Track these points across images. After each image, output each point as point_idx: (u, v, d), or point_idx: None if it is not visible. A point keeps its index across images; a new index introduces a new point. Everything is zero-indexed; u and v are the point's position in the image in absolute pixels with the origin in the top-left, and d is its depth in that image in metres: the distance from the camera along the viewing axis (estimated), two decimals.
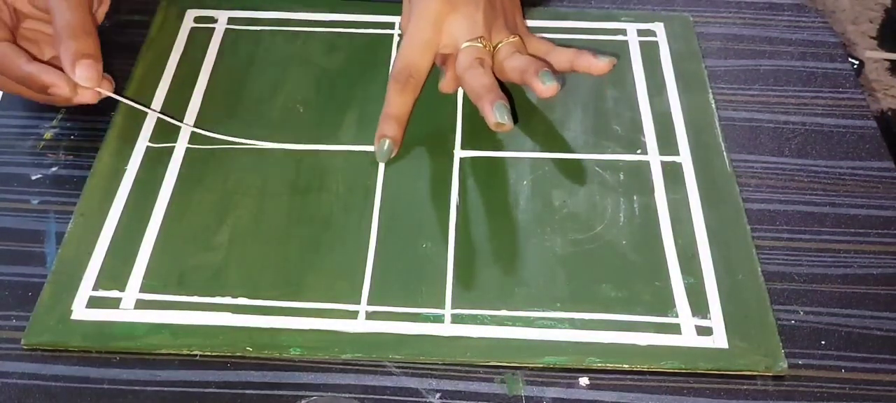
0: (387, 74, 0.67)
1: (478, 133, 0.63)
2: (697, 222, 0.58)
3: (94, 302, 0.53)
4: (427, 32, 0.63)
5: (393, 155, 0.61)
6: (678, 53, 0.70)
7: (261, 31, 0.71)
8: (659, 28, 0.72)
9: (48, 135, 0.63)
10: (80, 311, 0.53)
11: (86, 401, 0.49)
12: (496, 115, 0.58)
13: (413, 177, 0.61)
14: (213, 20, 0.72)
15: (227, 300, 0.53)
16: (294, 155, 0.62)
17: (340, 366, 0.51)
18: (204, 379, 0.50)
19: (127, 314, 0.52)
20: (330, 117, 0.65)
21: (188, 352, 0.51)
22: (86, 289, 0.54)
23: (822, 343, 0.52)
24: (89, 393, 0.49)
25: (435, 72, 0.64)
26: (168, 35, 0.71)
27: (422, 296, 0.54)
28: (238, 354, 0.51)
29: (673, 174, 0.61)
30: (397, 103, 0.61)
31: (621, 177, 0.61)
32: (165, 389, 0.49)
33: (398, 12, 0.70)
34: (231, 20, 0.72)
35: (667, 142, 0.63)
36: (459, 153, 0.62)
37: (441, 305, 0.53)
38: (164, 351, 0.51)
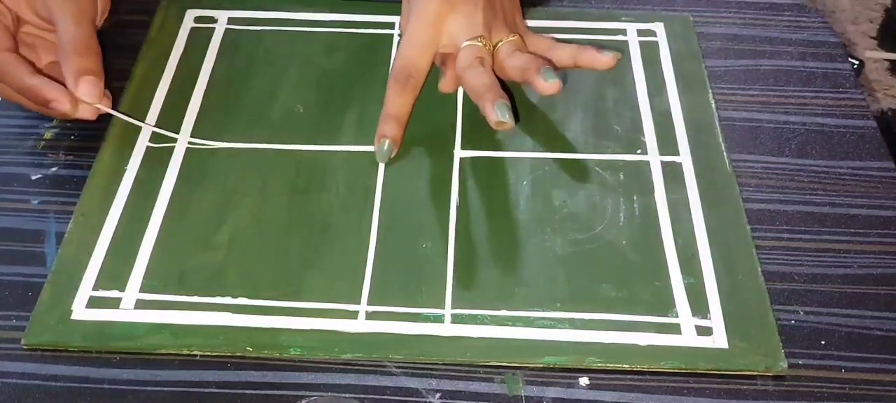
0: (387, 74, 0.67)
1: (478, 133, 0.63)
2: (697, 222, 0.58)
3: (94, 302, 0.53)
4: (426, 32, 0.63)
5: (393, 155, 0.61)
6: (678, 53, 0.70)
7: (261, 31, 0.71)
8: (659, 28, 0.72)
9: (48, 135, 0.63)
10: (80, 311, 0.53)
11: (86, 401, 0.49)
12: (498, 114, 0.58)
13: (413, 177, 0.61)
14: (213, 20, 0.72)
15: (227, 300, 0.53)
16: (294, 155, 0.62)
17: (340, 366, 0.51)
18: (204, 379, 0.50)
19: (127, 314, 0.52)
20: (330, 117, 0.65)
21: (188, 352, 0.51)
22: (86, 289, 0.54)
23: (822, 343, 0.52)
24: (89, 393, 0.49)
25: (435, 72, 0.64)
26: (168, 35, 0.71)
27: (422, 296, 0.54)
28: (238, 354, 0.51)
29: (673, 174, 0.61)
30: (397, 103, 0.61)
31: (621, 177, 0.61)
32: (165, 389, 0.49)
33: (398, 12, 0.70)
34: (231, 20, 0.72)
35: (667, 142, 0.63)
36: (459, 153, 0.62)
37: (441, 305, 0.53)
38: (164, 351, 0.51)
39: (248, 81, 0.67)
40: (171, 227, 0.57)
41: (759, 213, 0.59)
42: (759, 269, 0.55)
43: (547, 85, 0.59)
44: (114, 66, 0.63)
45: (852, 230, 0.58)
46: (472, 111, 0.65)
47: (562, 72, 0.62)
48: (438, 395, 0.50)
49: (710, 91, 0.67)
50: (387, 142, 0.60)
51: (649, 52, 0.70)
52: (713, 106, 0.66)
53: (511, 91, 0.64)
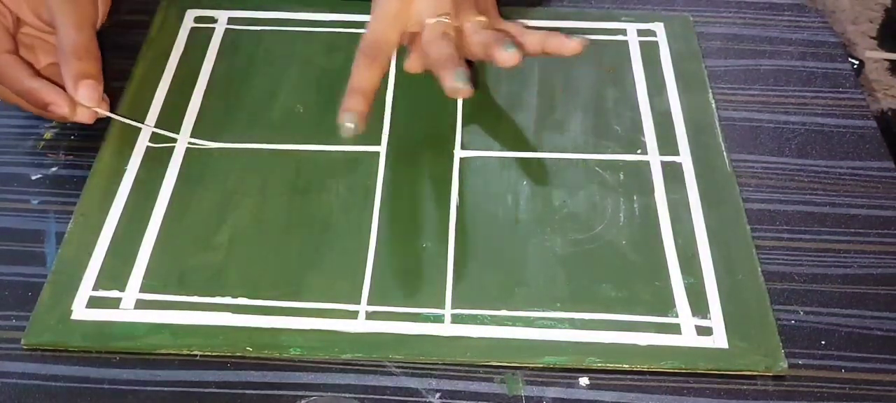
0: (387, 75, 0.67)
1: (478, 133, 0.63)
2: (697, 222, 0.58)
3: (94, 302, 0.53)
4: (395, 6, 0.62)
5: (359, 131, 0.59)
6: (678, 53, 0.70)
7: (261, 31, 0.71)
8: (659, 28, 0.72)
9: (48, 135, 0.63)
10: (80, 311, 0.53)
11: (86, 401, 0.49)
12: (453, 79, 0.58)
13: (413, 176, 0.61)
14: (213, 20, 0.72)
15: (227, 300, 0.53)
16: (294, 155, 0.62)
17: (340, 366, 0.51)
18: (204, 379, 0.50)
19: (127, 314, 0.52)
20: (330, 117, 0.64)
21: (188, 352, 0.51)
22: (86, 289, 0.54)
23: (822, 343, 0.52)
24: (89, 393, 0.49)
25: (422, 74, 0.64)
26: (168, 35, 0.71)
27: (422, 296, 0.53)
28: (238, 354, 0.51)
29: (673, 174, 0.61)
30: (364, 77, 0.60)
31: (621, 177, 0.61)
32: (165, 389, 0.49)
33: None
34: (231, 20, 0.72)
35: (667, 142, 0.63)
36: (459, 153, 0.62)
37: (441, 305, 0.53)
38: (164, 351, 0.51)
39: (248, 81, 0.67)
40: (171, 227, 0.57)
41: (759, 213, 0.59)
42: (759, 269, 0.55)
43: (507, 54, 0.58)
44: (114, 66, 0.63)
45: (852, 230, 0.58)
46: (473, 111, 0.65)
47: (560, 68, 0.61)
48: (438, 395, 0.50)
49: (710, 91, 0.67)
50: (353, 115, 0.59)
51: (649, 51, 0.70)
52: (713, 106, 0.66)
53: (476, 67, 0.63)
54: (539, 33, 0.63)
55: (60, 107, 0.58)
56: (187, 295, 0.53)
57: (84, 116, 0.60)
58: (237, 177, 0.60)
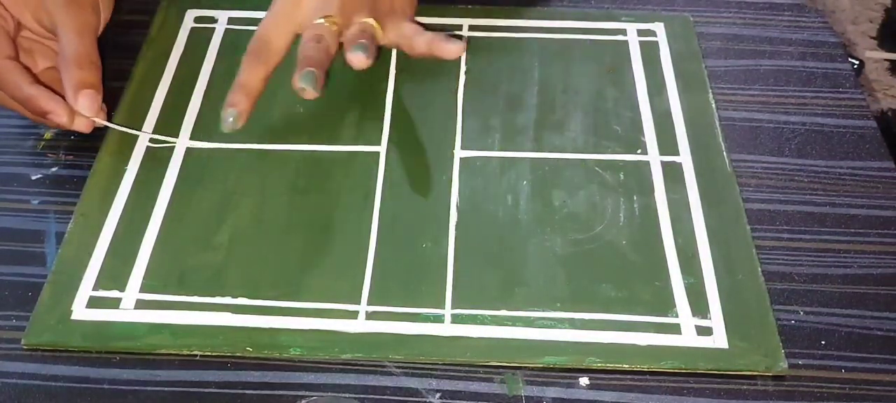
0: (387, 74, 0.68)
1: (478, 133, 0.63)
2: (697, 222, 0.58)
3: (94, 302, 0.53)
4: (285, 9, 0.62)
5: (238, 126, 0.60)
6: (678, 53, 0.70)
7: None
8: (659, 28, 0.72)
9: (48, 135, 0.63)
10: (80, 311, 0.53)
11: (86, 401, 0.49)
12: (299, 80, 0.59)
13: (413, 177, 0.61)
14: (213, 20, 0.72)
15: (227, 300, 0.53)
16: (294, 155, 0.62)
17: (340, 366, 0.51)
18: (204, 379, 0.50)
19: (127, 314, 0.52)
20: (330, 117, 0.65)
21: (188, 352, 0.51)
22: (86, 289, 0.54)
23: (822, 343, 0.52)
24: (89, 393, 0.49)
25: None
26: (168, 35, 0.71)
27: (422, 296, 0.53)
28: (238, 354, 0.51)
29: (673, 174, 0.61)
30: (248, 75, 0.61)
31: (621, 177, 0.61)
32: (165, 389, 0.49)
33: None
34: (231, 20, 0.72)
35: (667, 142, 0.63)
36: (459, 153, 0.62)
37: (441, 305, 0.53)
38: (164, 351, 0.51)
39: None
40: (171, 227, 0.57)
41: (759, 213, 0.59)
42: (759, 269, 0.55)
43: (352, 55, 0.60)
44: (114, 66, 0.63)
45: (852, 230, 0.58)
46: (473, 111, 0.65)
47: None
48: (438, 395, 0.50)
49: (710, 91, 0.67)
50: (233, 111, 0.60)
51: (649, 51, 0.70)
52: (713, 106, 0.66)
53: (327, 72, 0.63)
54: (427, 35, 0.64)
55: (59, 116, 0.59)
56: (187, 295, 0.53)
57: (82, 125, 0.60)
58: (237, 177, 0.60)
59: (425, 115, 0.65)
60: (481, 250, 0.56)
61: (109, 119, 0.62)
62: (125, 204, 0.58)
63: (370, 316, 0.53)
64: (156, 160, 0.61)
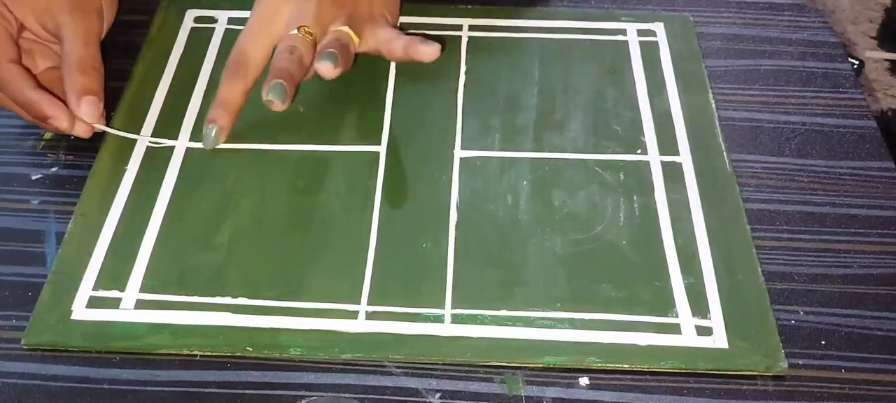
0: (387, 74, 0.68)
1: (478, 133, 0.63)
2: (697, 222, 0.58)
3: (94, 302, 0.53)
4: (261, 22, 0.63)
5: (220, 142, 0.61)
6: (678, 53, 0.70)
7: None
8: (659, 28, 0.72)
9: (48, 135, 0.63)
10: (80, 311, 0.53)
11: (86, 401, 0.49)
12: (267, 91, 0.59)
13: (413, 177, 0.61)
14: (213, 20, 0.72)
15: (227, 300, 0.53)
16: (294, 155, 0.62)
17: (340, 366, 0.51)
18: (204, 379, 0.50)
19: (127, 314, 0.52)
20: (330, 117, 0.65)
21: (188, 352, 0.51)
22: (86, 289, 0.54)
23: (822, 343, 0.52)
24: (89, 393, 0.49)
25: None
26: (168, 35, 0.71)
27: (422, 296, 0.53)
28: (238, 354, 0.51)
29: (673, 174, 0.61)
30: (227, 91, 0.61)
31: (621, 177, 0.61)
32: (165, 389, 0.49)
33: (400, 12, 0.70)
34: (231, 20, 0.72)
35: (667, 142, 0.63)
36: (459, 153, 0.62)
37: (441, 305, 0.53)
38: (164, 351, 0.51)
39: None
40: (171, 227, 0.57)
41: (759, 213, 0.59)
42: (759, 269, 0.55)
43: (319, 65, 0.60)
44: (114, 66, 0.63)
45: (852, 230, 0.58)
46: (473, 111, 0.65)
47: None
48: (438, 395, 0.50)
49: (710, 91, 0.67)
50: (213, 128, 0.61)
51: (649, 51, 0.70)
52: (713, 106, 0.66)
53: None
54: (404, 39, 0.64)
55: (60, 122, 0.59)
56: (187, 295, 0.53)
57: (81, 131, 0.60)
58: (237, 177, 0.60)
59: (425, 115, 0.65)
60: (481, 250, 0.56)
61: (109, 118, 0.62)
62: (125, 204, 0.58)
63: (370, 315, 0.53)
64: (156, 160, 0.61)
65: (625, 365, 0.51)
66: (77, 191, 0.59)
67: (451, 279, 0.54)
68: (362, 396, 0.49)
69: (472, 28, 0.72)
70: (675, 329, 0.52)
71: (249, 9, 0.72)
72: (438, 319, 0.52)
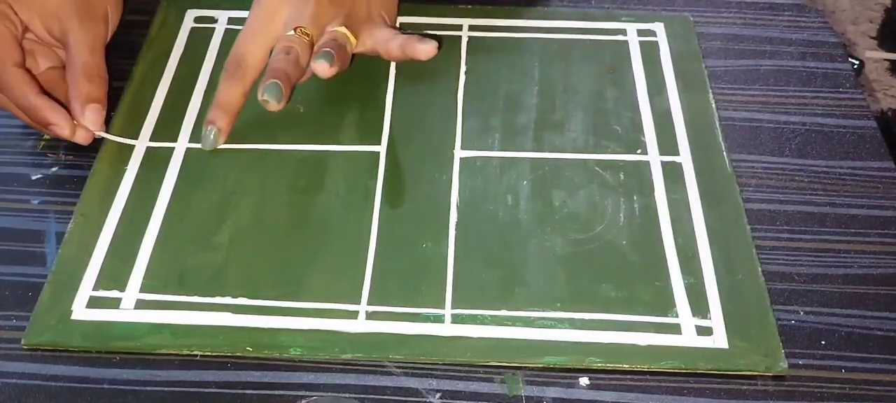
0: (387, 74, 0.68)
1: (478, 133, 0.63)
2: (697, 222, 0.58)
3: (94, 302, 0.53)
4: (258, 23, 0.63)
5: (219, 143, 0.61)
6: (678, 53, 0.70)
7: None
8: (659, 28, 0.72)
9: (48, 135, 0.63)
10: (80, 311, 0.53)
11: (86, 401, 0.49)
12: (262, 92, 0.60)
13: (413, 177, 0.61)
14: (213, 20, 0.72)
15: (227, 300, 0.53)
16: (294, 155, 0.62)
17: (340, 366, 0.51)
18: (204, 379, 0.50)
19: (127, 314, 0.52)
20: (330, 117, 0.65)
21: (188, 352, 0.51)
22: (86, 289, 0.54)
23: (822, 343, 0.52)
24: (89, 393, 0.49)
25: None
26: (168, 35, 0.71)
27: (422, 296, 0.53)
28: (238, 354, 0.51)
29: (673, 174, 0.61)
30: (226, 92, 0.62)
31: (621, 177, 0.61)
32: (165, 389, 0.49)
33: (400, 12, 0.70)
34: (231, 20, 0.72)
35: (667, 142, 0.63)
36: (459, 153, 0.62)
37: (441, 305, 0.53)
38: (164, 351, 0.51)
39: None
40: (171, 227, 0.57)
41: (759, 213, 0.59)
42: (759, 269, 0.55)
43: (315, 64, 0.60)
44: (114, 66, 0.63)
45: (852, 230, 0.58)
46: (473, 111, 0.65)
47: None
48: (438, 395, 0.50)
49: (710, 91, 0.67)
50: (212, 129, 0.61)
51: (649, 51, 0.70)
52: (713, 106, 0.66)
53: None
54: (401, 38, 0.64)
55: (61, 129, 0.59)
56: (187, 295, 0.53)
57: (82, 138, 0.60)
58: (237, 177, 0.60)
59: (425, 115, 0.65)
60: (481, 250, 0.56)
61: (109, 118, 0.62)
62: (125, 204, 0.58)
63: (370, 315, 0.53)
64: (156, 160, 0.61)
65: (625, 365, 0.51)
66: (77, 191, 0.59)
67: (451, 279, 0.54)
68: (362, 396, 0.49)
69: (472, 28, 0.72)
70: (675, 329, 0.52)
71: (249, 9, 0.73)
72: (438, 319, 0.52)
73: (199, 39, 0.70)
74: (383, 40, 0.65)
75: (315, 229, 0.57)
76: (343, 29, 0.63)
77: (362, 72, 0.68)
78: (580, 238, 0.57)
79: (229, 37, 0.71)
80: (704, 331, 0.52)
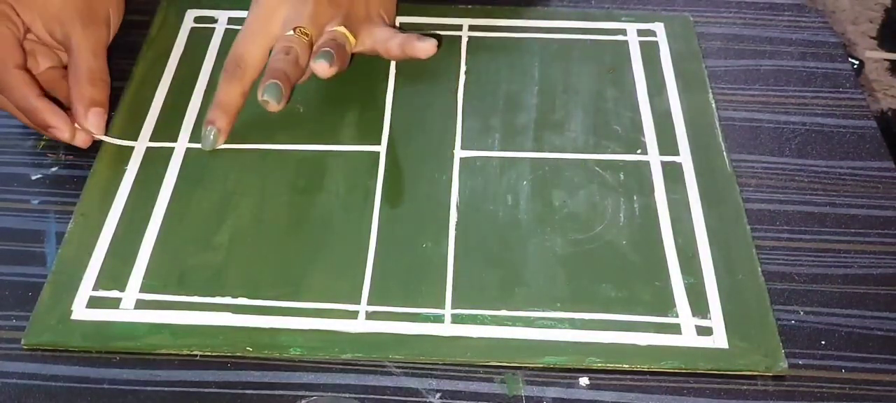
0: (387, 74, 0.68)
1: (478, 133, 0.63)
2: (697, 222, 0.58)
3: (94, 302, 0.53)
4: (257, 23, 0.63)
5: (219, 143, 0.61)
6: (678, 53, 0.70)
7: None
8: (659, 28, 0.72)
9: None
10: (80, 311, 0.53)
11: (86, 401, 0.49)
12: (262, 92, 0.60)
13: (413, 177, 0.61)
14: (213, 20, 0.72)
15: (227, 300, 0.53)
16: (294, 155, 0.62)
17: (340, 366, 0.51)
18: (204, 379, 0.50)
19: (127, 314, 0.52)
20: (330, 117, 0.65)
21: (188, 352, 0.51)
22: (86, 289, 0.54)
23: (822, 343, 0.52)
24: (89, 393, 0.49)
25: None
26: (168, 35, 0.71)
27: (422, 296, 0.53)
28: (238, 354, 0.51)
29: (673, 174, 0.61)
30: (225, 92, 0.61)
31: (621, 177, 0.61)
32: (165, 389, 0.49)
33: (399, 13, 0.70)
34: (231, 20, 0.72)
35: (667, 142, 0.63)
36: (459, 153, 0.62)
37: (441, 305, 0.53)
38: (164, 351, 0.51)
39: None
40: (171, 227, 0.57)
41: (759, 213, 0.59)
42: (759, 269, 0.55)
43: (315, 64, 0.60)
44: (114, 66, 0.63)
45: (852, 230, 0.58)
46: (473, 111, 0.65)
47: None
48: (438, 395, 0.50)
49: (710, 91, 0.67)
50: (212, 130, 0.61)
51: (649, 51, 0.70)
52: (713, 106, 0.66)
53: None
54: (401, 37, 0.64)
55: (61, 132, 0.59)
56: (187, 295, 0.53)
57: (81, 141, 0.60)
58: (237, 177, 0.60)
59: (425, 115, 0.65)
60: (481, 250, 0.56)
61: (109, 118, 0.62)
62: (125, 204, 0.58)
63: (370, 315, 0.53)
64: (156, 160, 0.61)
65: (625, 365, 0.51)
66: (77, 191, 0.59)
67: (451, 279, 0.54)
68: (362, 396, 0.49)
69: (472, 28, 0.72)
70: (675, 329, 0.52)
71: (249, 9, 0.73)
72: (438, 319, 0.52)
73: (199, 39, 0.70)
74: (383, 39, 0.65)
75: (315, 229, 0.57)
76: (342, 28, 0.63)
77: (362, 72, 0.68)
78: (580, 238, 0.57)
79: (229, 37, 0.71)
80: (704, 331, 0.52)
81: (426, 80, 0.67)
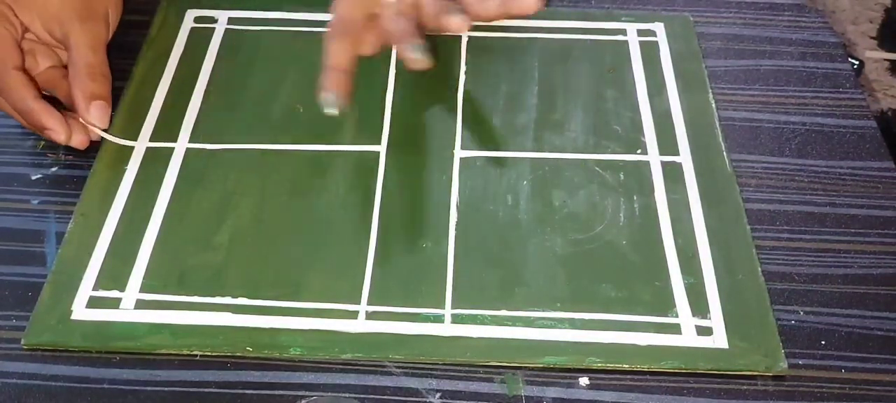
0: (387, 74, 0.68)
1: (478, 133, 0.63)
2: (697, 222, 0.58)
3: (94, 302, 0.53)
4: None
5: (343, 108, 0.59)
6: (678, 53, 0.70)
7: (261, 31, 0.71)
8: (659, 28, 0.72)
9: None
10: (80, 311, 0.53)
11: (86, 401, 0.49)
12: (409, 51, 0.57)
13: (413, 177, 0.61)
14: (213, 20, 0.72)
15: (227, 300, 0.53)
16: (294, 155, 0.62)
17: (340, 366, 0.51)
18: (204, 379, 0.50)
19: (127, 314, 0.52)
20: (330, 117, 0.65)
21: (188, 352, 0.51)
22: (86, 289, 0.54)
23: (822, 343, 0.52)
24: (89, 393, 0.49)
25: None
26: (168, 35, 0.71)
27: (422, 296, 0.53)
28: (238, 354, 0.51)
29: (673, 174, 0.61)
30: (337, 52, 0.59)
31: (621, 177, 0.61)
32: (165, 389, 0.49)
33: None
34: (231, 20, 0.72)
35: (667, 142, 0.63)
36: (459, 153, 0.62)
37: (441, 305, 0.53)
38: (164, 351, 0.51)
39: (248, 81, 0.67)
40: (171, 227, 0.57)
41: (759, 213, 0.59)
42: (759, 269, 0.55)
43: (453, 21, 0.58)
44: (114, 66, 0.63)
45: (852, 230, 0.58)
46: (473, 111, 0.65)
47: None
48: (438, 395, 0.50)
49: (710, 91, 0.67)
50: (331, 94, 0.58)
51: (649, 51, 0.70)
52: (713, 106, 0.66)
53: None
54: None
55: (58, 134, 0.59)
56: (187, 295, 0.53)
57: (78, 143, 0.60)
58: (237, 178, 0.60)
59: (425, 115, 0.65)
60: (481, 250, 0.56)
61: (109, 118, 0.62)
62: (125, 204, 0.58)
63: (370, 315, 0.53)
64: (156, 160, 0.61)
65: (625, 365, 0.51)
66: (77, 191, 0.59)
67: (451, 279, 0.54)
68: (362, 396, 0.49)
69: (472, 28, 0.72)
70: (675, 329, 0.52)
71: (249, 9, 0.73)
72: (438, 319, 0.52)
73: (199, 39, 0.70)
74: (474, 1, 0.60)
75: (315, 229, 0.57)
76: None
77: (362, 72, 0.67)
78: (580, 238, 0.57)
79: (229, 37, 0.71)
80: (704, 331, 0.52)
81: (426, 80, 0.67)
